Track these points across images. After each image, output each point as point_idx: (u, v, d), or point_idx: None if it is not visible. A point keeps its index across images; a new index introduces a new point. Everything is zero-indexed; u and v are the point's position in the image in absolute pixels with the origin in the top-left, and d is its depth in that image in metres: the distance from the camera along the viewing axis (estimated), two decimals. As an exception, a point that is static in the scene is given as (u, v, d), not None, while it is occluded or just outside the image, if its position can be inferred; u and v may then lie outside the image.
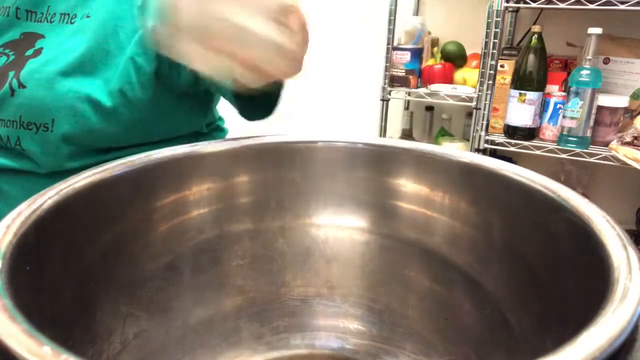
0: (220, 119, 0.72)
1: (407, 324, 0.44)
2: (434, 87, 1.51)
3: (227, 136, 0.71)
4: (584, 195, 0.33)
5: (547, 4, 1.29)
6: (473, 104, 1.44)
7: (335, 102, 1.86)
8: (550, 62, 1.42)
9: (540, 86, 1.35)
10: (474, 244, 0.40)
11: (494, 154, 1.51)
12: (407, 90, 1.54)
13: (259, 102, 0.50)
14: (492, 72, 1.38)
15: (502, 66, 1.40)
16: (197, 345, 0.42)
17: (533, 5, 1.29)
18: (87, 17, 0.56)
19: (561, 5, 1.25)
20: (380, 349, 0.44)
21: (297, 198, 0.46)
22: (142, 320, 0.39)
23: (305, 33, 0.33)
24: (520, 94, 1.36)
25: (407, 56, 1.51)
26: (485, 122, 1.43)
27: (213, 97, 0.64)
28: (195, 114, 0.62)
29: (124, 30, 0.54)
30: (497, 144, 1.43)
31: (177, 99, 0.57)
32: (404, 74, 1.53)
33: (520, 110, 1.37)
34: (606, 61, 1.38)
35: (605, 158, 1.30)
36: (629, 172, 1.32)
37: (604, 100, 1.30)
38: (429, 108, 1.70)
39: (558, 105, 1.36)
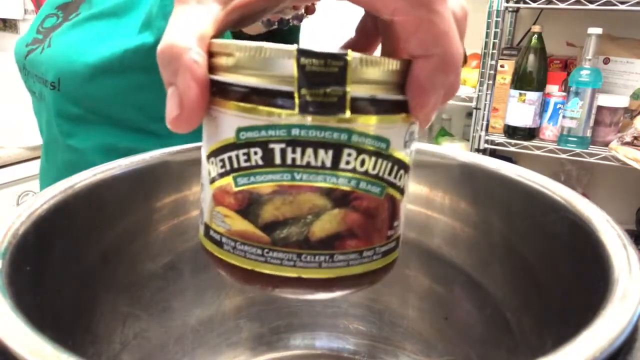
0: None
1: (407, 324, 0.44)
2: (434, 87, 1.51)
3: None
4: (584, 195, 0.33)
5: (547, 4, 1.29)
6: (473, 104, 1.44)
7: (335, 102, 1.86)
8: (550, 62, 1.42)
9: (540, 86, 1.35)
10: (474, 244, 0.40)
11: (494, 154, 1.51)
12: (407, 90, 1.54)
13: None
14: (492, 72, 1.39)
15: (502, 66, 1.40)
16: (197, 345, 0.42)
17: (533, 5, 1.29)
18: None
19: (561, 5, 1.25)
20: (380, 349, 0.44)
21: (297, 198, 0.46)
22: (142, 320, 0.39)
23: None
24: (520, 94, 1.36)
25: (407, 56, 1.52)
26: (485, 122, 1.43)
27: None
28: None
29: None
30: (497, 144, 1.43)
31: None
32: (404, 74, 1.53)
33: (520, 110, 1.37)
34: (606, 61, 1.38)
35: (605, 158, 1.30)
36: (629, 172, 1.32)
37: (604, 100, 1.30)
38: (429, 108, 1.70)
39: (558, 105, 1.36)
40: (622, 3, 1.19)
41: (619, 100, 1.31)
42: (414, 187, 0.43)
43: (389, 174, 0.19)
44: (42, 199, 0.30)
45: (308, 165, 0.18)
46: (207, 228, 0.20)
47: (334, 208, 0.18)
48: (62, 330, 0.29)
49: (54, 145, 0.61)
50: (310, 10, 0.37)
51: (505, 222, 0.37)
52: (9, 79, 0.66)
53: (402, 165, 0.20)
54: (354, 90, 0.17)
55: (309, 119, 0.17)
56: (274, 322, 0.46)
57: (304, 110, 0.17)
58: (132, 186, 0.38)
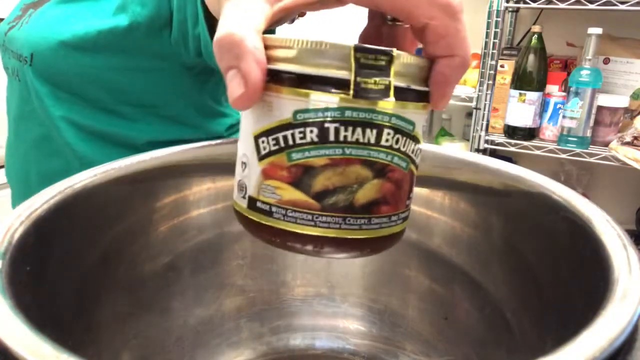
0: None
1: (407, 324, 0.44)
2: (434, 87, 1.51)
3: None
4: (584, 195, 0.33)
5: (547, 4, 1.29)
6: (473, 104, 1.44)
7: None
8: (550, 62, 1.42)
9: (540, 86, 1.35)
10: (474, 244, 0.40)
11: (494, 154, 1.51)
12: (407, 90, 1.54)
13: None
14: (492, 72, 1.39)
15: (502, 66, 1.40)
16: (197, 345, 0.42)
17: (533, 5, 1.29)
18: None
19: (561, 5, 1.25)
20: (380, 349, 0.44)
21: (297, 198, 0.46)
22: (142, 320, 0.39)
23: None
24: (520, 94, 1.36)
25: (407, 56, 1.52)
26: (485, 122, 1.43)
27: (211, 77, 0.61)
28: (185, 85, 0.60)
29: None
30: (497, 144, 1.43)
31: (172, 59, 0.57)
32: (404, 74, 1.53)
33: (520, 110, 1.37)
34: (606, 61, 1.38)
35: (605, 158, 1.30)
36: (629, 172, 1.32)
37: (604, 100, 1.30)
38: (429, 108, 1.70)
39: (558, 105, 1.36)
40: (622, 3, 1.19)
41: (619, 100, 1.31)
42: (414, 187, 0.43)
43: (412, 151, 0.23)
44: (42, 199, 0.30)
45: (357, 142, 0.21)
46: (253, 200, 0.23)
47: (374, 178, 0.22)
48: (62, 330, 0.29)
49: (27, 120, 0.61)
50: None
51: (505, 222, 0.37)
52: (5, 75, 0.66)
53: (419, 145, 0.24)
54: (395, 80, 0.21)
55: (360, 103, 0.21)
56: (274, 322, 0.46)
57: (358, 95, 0.20)
58: (132, 186, 0.38)
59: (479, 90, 1.42)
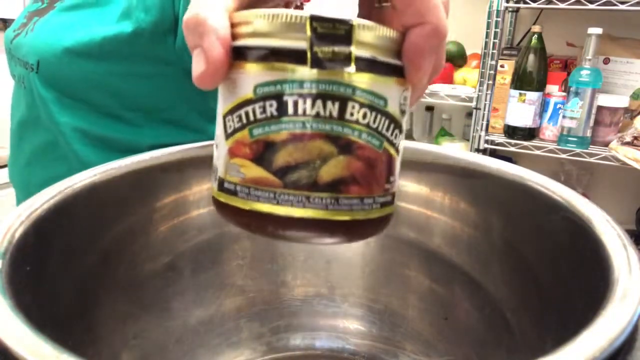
0: None
1: (407, 324, 0.44)
2: (434, 87, 1.51)
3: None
4: (584, 195, 0.33)
5: (547, 4, 1.29)
6: (473, 104, 1.44)
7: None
8: (550, 62, 1.42)
9: (540, 86, 1.35)
10: (474, 244, 0.40)
11: (494, 154, 1.51)
12: (407, 90, 1.54)
13: None
14: (492, 72, 1.39)
15: (502, 66, 1.40)
16: (197, 345, 0.42)
17: (533, 5, 1.29)
18: None
19: (561, 5, 1.25)
20: (380, 349, 0.44)
21: (297, 198, 0.46)
22: (142, 320, 0.39)
23: None
24: (520, 94, 1.36)
25: (407, 56, 1.51)
26: (485, 122, 1.43)
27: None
28: (189, 89, 0.59)
29: None
30: (497, 144, 1.43)
31: (174, 63, 0.57)
32: (404, 74, 1.53)
33: (520, 110, 1.37)
34: (606, 61, 1.38)
35: (605, 158, 1.30)
36: (629, 172, 1.32)
37: (604, 100, 1.30)
38: (429, 108, 1.70)
39: (558, 105, 1.36)
40: (622, 3, 1.19)
41: (619, 100, 1.31)
42: (414, 187, 0.43)
43: (387, 129, 0.22)
44: (42, 199, 0.30)
45: (317, 115, 0.20)
46: (222, 181, 0.22)
47: (339, 155, 0.21)
48: (62, 330, 0.29)
49: (32, 127, 0.62)
50: None
51: (505, 222, 0.37)
52: (9, 79, 0.67)
53: (397, 125, 0.22)
54: (357, 50, 0.20)
55: (319, 74, 0.20)
56: (274, 322, 0.46)
57: (315, 65, 0.20)
58: (132, 186, 0.38)
59: (479, 90, 1.42)
